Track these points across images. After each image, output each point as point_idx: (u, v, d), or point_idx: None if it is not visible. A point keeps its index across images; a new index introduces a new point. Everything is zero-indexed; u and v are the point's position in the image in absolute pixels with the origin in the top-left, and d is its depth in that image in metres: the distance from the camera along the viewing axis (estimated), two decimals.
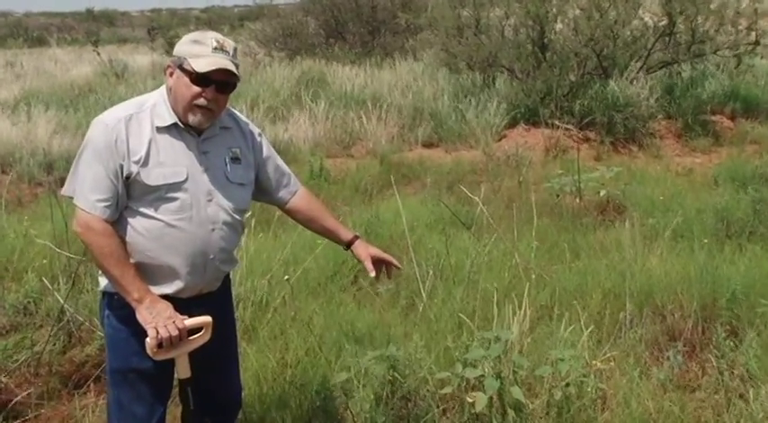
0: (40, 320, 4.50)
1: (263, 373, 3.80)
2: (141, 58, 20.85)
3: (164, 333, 2.44)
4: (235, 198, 2.63)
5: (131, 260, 2.51)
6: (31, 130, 9.80)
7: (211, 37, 2.52)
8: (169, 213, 2.49)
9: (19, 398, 3.82)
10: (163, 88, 2.59)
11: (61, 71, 18.22)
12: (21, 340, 4.25)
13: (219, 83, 2.50)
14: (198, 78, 2.46)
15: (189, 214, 2.51)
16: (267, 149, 2.82)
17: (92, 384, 4.04)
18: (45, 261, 5.08)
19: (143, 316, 2.46)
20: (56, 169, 8.47)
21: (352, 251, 2.91)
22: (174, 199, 2.50)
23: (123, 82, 15.22)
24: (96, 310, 4.40)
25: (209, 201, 2.55)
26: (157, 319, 2.45)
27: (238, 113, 2.81)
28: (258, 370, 3.81)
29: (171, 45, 23.20)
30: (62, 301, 4.27)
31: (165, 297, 2.54)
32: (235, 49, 2.55)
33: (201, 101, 2.48)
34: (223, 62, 2.47)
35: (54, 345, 4.23)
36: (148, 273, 2.53)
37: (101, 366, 4.08)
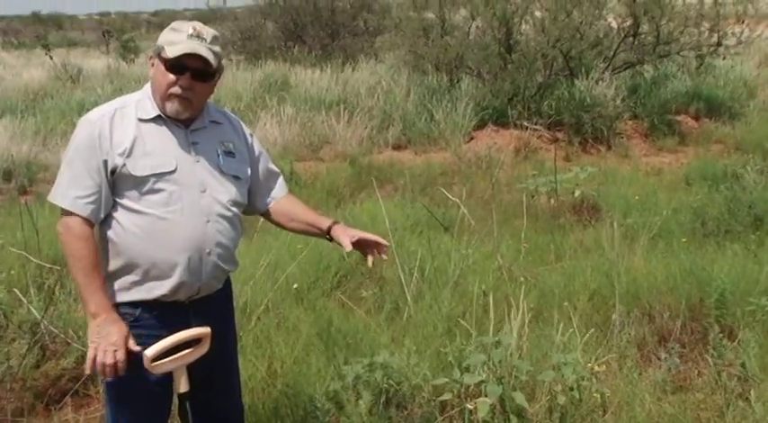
0: (12, 334, 4.29)
1: (252, 384, 3.68)
2: (95, 62, 20.45)
3: (100, 358, 2.35)
4: (230, 190, 2.53)
5: (124, 260, 2.42)
6: None
7: (189, 25, 2.45)
8: (159, 206, 2.39)
9: None
10: (148, 85, 2.52)
11: (12, 75, 17.71)
12: None
13: (195, 70, 2.41)
14: (172, 65, 2.39)
15: (180, 206, 2.41)
16: (258, 149, 2.73)
17: (69, 399, 3.87)
18: (13, 272, 4.86)
19: (91, 331, 2.38)
20: (16, 176, 8.19)
21: (332, 238, 2.72)
22: (163, 190, 2.40)
23: (80, 86, 14.88)
24: (71, 321, 4.25)
25: (203, 192, 2.46)
26: (101, 341, 2.36)
27: (229, 112, 2.75)
28: (246, 380, 3.67)
29: (125, 49, 22.86)
30: (38, 315, 4.08)
31: (161, 304, 2.44)
32: (215, 37, 2.47)
33: (176, 89, 2.40)
34: (195, 47, 2.39)
35: (28, 358, 4.03)
36: (142, 273, 2.42)
37: (78, 380, 3.94)
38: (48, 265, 4.51)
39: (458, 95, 10.42)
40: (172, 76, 2.39)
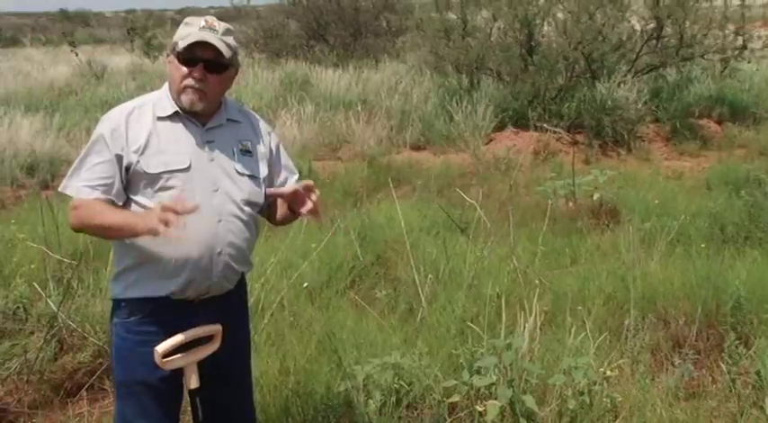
0: (31, 327, 4.36)
1: (264, 381, 3.70)
2: (119, 59, 20.63)
3: (162, 230, 2.18)
4: (244, 189, 2.52)
5: (136, 256, 2.43)
6: (12, 132, 9.61)
7: (202, 18, 2.47)
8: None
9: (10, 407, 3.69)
10: (167, 84, 2.53)
11: (38, 72, 17.92)
12: (11, 347, 4.10)
13: (207, 61, 2.42)
14: (185, 58, 2.41)
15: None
16: (277, 148, 2.70)
17: (84, 393, 3.92)
18: (33, 266, 4.93)
19: (141, 229, 2.26)
20: (39, 171, 8.30)
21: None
22: (176, 187, 2.40)
23: (103, 83, 15.02)
24: (88, 315, 4.30)
25: (215, 191, 2.45)
26: (151, 220, 2.21)
27: (250, 110, 2.73)
28: (258, 378, 3.70)
29: (149, 46, 23.03)
30: (55, 309, 4.13)
31: (170, 301, 2.44)
32: (227, 29, 2.48)
33: (189, 81, 2.41)
34: (205, 36, 2.40)
35: (45, 352, 4.09)
36: (152, 270, 2.43)
37: (94, 374, 3.98)
38: (66, 260, 4.55)
39: (478, 97, 10.39)
40: (185, 69, 2.41)
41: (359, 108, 10.58)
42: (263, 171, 2.61)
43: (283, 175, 2.70)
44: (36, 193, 7.75)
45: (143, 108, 2.47)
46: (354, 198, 7.69)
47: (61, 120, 10.41)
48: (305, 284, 4.31)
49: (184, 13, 62.76)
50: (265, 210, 2.67)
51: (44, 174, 8.18)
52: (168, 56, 2.50)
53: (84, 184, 2.39)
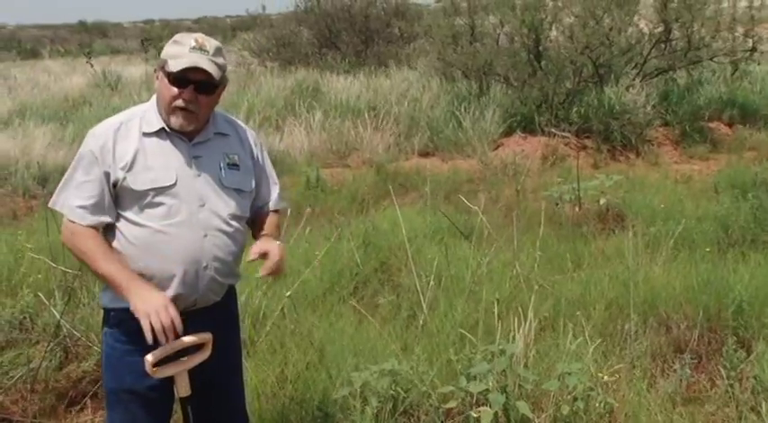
0: (36, 336, 4.42)
1: (262, 388, 3.74)
2: (134, 70, 20.80)
3: (156, 322, 2.33)
4: (230, 204, 2.54)
5: None
6: (26, 142, 9.75)
7: (192, 37, 2.46)
8: (157, 219, 2.43)
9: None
10: (155, 96, 2.55)
11: (54, 83, 18.14)
12: (16, 357, 4.17)
13: (198, 83, 2.43)
14: (175, 79, 2.41)
15: (178, 220, 2.44)
16: (263, 160, 2.73)
17: (88, 401, 3.97)
18: (40, 276, 5.00)
19: (135, 305, 2.36)
20: (51, 182, 8.40)
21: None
22: (162, 204, 2.44)
23: (117, 93, 15.18)
24: (93, 325, 4.35)
25: (202, 206, 2.48)
26: (149, 308, 2.34)
27: (238, 120, 2.74)
28: (257, 384, 3.74)
29: None
30: (59, 317, 4.19)
31: None
32: (217, 49, 2.48)
33: (179, 102, 2.43)
34: (197, 60, 2.41)
35: (50, 361, 4.15)
36: None
37: (98, 383, 4.02)
38: (70, 271, 4.62)
39: (486, 102, 10.40)
40: (175, 90, 2.42)
41: (367, 115, 10.60)
42: (250, 184, 2.64)
43: (267, 185, 2.74)
44: (47, 203, 7.85)
45: (130, 123, 2.48)
46: (361, 205, 7.72)
47: (74, 131, 10.53)
48: (287, 293, 4.32)
49: (201, 22, 63.37)
50: (249, 223, 2.71)
51: (56, 184, 8.25)
52: (156, 71, 2.50)
53: (76, 204, 2.42)
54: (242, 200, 2.60)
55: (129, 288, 2.38)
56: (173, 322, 2.36)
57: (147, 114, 2.51)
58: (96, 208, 2.43)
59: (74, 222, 2.43)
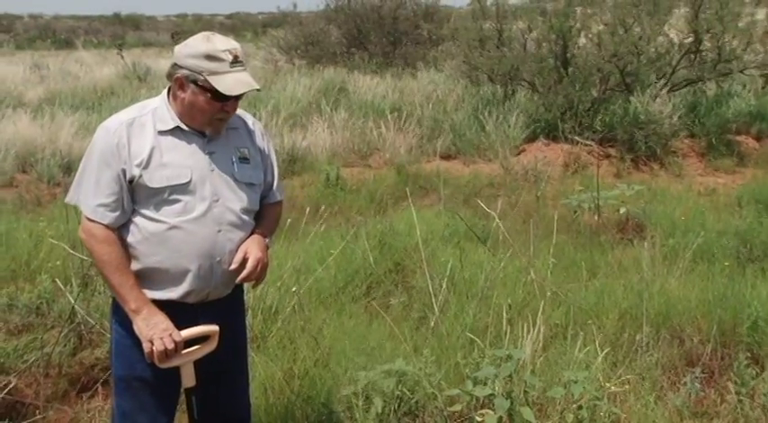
0: (52, 322, 4.48)
1: (270, 384, 3.76)
2: (165, 62, 20.92)
3: (158, 346, 2.43)
4: (243, 198, 2.58)
5: (139, 264, 2.49)
6: (53, 130, 9.88)
7: (222, 49, 2.44)
8: (173, 215, 2.47)
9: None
10: (164, 93, 2.57)
11: (85, 73, 18.35)
12: (32, 340, 4.23)
13: (239, 94, 2.50)
14: (221, 95, 2.44)
15: (194, 215, 2.48)
16: (269, 151, 2.77)
17: (100, 387, 4.02)
18: (59, 263, 5.08)
19: (139, 327, 2.45)
20: (74, 170, 8.49)
21: None
22: (179, 200, 2.47)
23: (146, 85, 15.33)
24: (107, 312, 4.39)
25: (216, 201, 2.52)
26: (153, 331, 2.43)
27: (244, 112, 2.77)
28: (265, 380, 3.77)
29: None
30: (73, 303, 4.25)
31: (171, 303, 2.51)
32: (244, 53, 2.53)
33: (224, 115, 2.50)
34: (247, 80, 2.47)
35: (64, 346, 4.21)
36: (155, 277, 2.51)
37: (109, 370, 4.06)
38: (87, 259, 4.67)
39: (510, 107, 10.37)
40: (218, 105, 2.47)
41: (390, 116, 10.60)
42: (260, 177, 2.68)
43: (271, 176, 2.77)
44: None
45: (142, 119, 2.50)
46: (379, 205, 7.73)
47: (100, 120, 10.61)
48: (293, 289, 4.35)
49: (234, 18, 63.79)
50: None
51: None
52: (182, 81, 2.46)
53: (96, 203, 2.44)
54: (253, 193, 2.64)
55: (137, 309, 2.45)
56: (176, 348, 2.45)
57: (159, 112, 2.53)
58: (116, 205, 2.46)
59: (93, 221, 2.46)
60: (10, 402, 3.79)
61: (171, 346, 2.43)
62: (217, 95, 2.44)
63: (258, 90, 2.54)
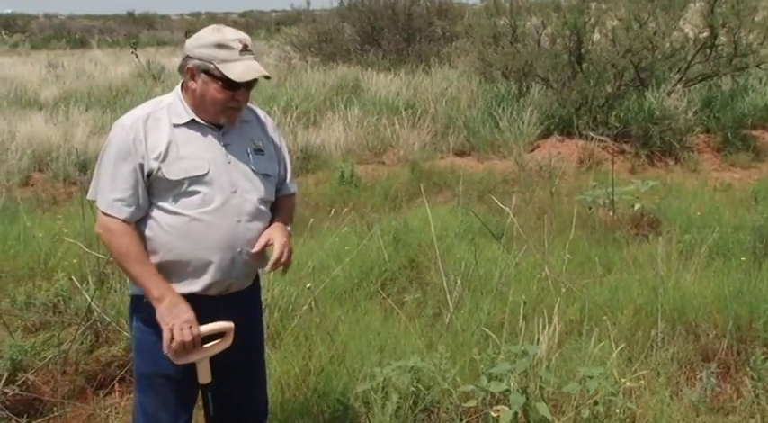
0: (69, 319, 4.52)
1: (286, 380, 3.78)
2: (179, 61, 20.88)
3: (178, 337, 2.44)
4: (260, 189, 2.61)
5: (159, 258, 2.51)
6: (68, 129, 9.95)
7: (232, 38, 2.50)
8: (193, 207, 2.49)
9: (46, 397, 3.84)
10: (178, 88, 2.60)
11: (100, 72, 18.46)
12: (49, 338, 4.27)
13: (250, 83, 2.53)
14: (232, 83, 2.47)
15: (213, 207, 2.51)
16: (281, 143, 2.80)
17: (116, 384, 4.06)
18: (75, 261, 5.12)
19: (162, 314, 2.46)
20: (90, 169, 8.55)
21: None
22: (197, 192, 2.50)
23: (160, 84, 15.39)
24: (123, 310, 4.43)
25: (234, 192, 2.54)
26: (175, 321, 2.44)
27: (254, 106, 2.81)
28: (281, 376, 3.78)
29: None
30: (90, 300, 4.28)
31: (193, 295, 2.53)
32: (253, 43, 2.56)
33: (235, 103, 2.52)
34: (257, 67, 2.50)
35: (81, 344, 4.24)
36: (177, 270, 2.53)
37: (126, 367, 4.11)
38: (103, 257, 4.71)
39: (524, 104, 10.34)
40: (230, 93, 2.50)
41: (404, 113, 10.60)
42: (275, 168, 2.71)
43: (285, 169, 2.80)
44: (85, 190, 8.00)
45: (158, 114, 2.54)
46: (394, 202, 7.74)
47: (115, 119, 10.68)
48: (308, 286, 4.36)
49: (247, 16, 63.91)
50: None
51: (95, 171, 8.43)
52: (193, 71, 2.51)
53: (113, 197, 2.47)
54: (269, 184, 2.67)
55: (160, 297, 2.46)
56: (194, 340, 2.46)
57: (174, 106, 2.56)
58: (132, 200, 2.48)
59: (110, 216, 2.48)
60: (28, 399, 3.83)
61: (189, 338, 2.44)
62: (227, 83, 2.47)
63: (268, 78, 2.56)
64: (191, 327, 2.45)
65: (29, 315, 4.58)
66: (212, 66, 2.47)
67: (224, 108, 2.51)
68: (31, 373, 3.97)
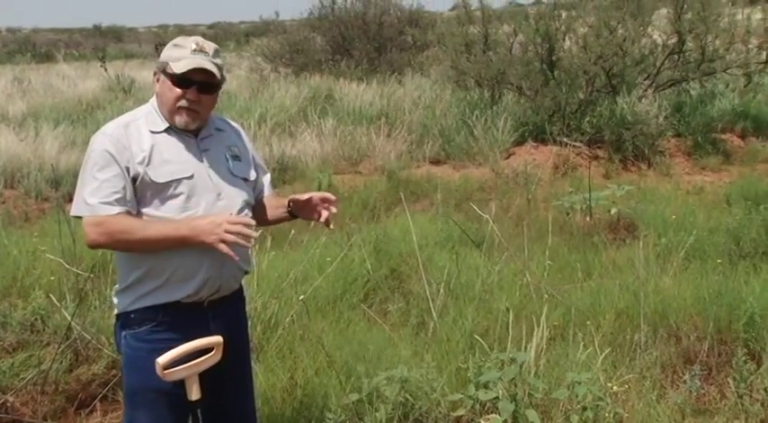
0: (48, 338, 4.44)
1: (272, 393, 3.75)
2: (148, 74, 20.81)
3: (224, 232, 2.40)
4: (242, 192, 2.66)
5: (149, 263, 2.50)
6: (38, 145, 9.82)
7: (192, 40, 2.57)
8: (179, 211, 2.50)
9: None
10: (153, 99, 2.63)
11: (68, 87, 18.24)
12: (27, 358, 4.19)
13: (201, 83, 2.53)
14: (179, 80, 2.50)
15: (199, 211, 2.51)
16: (253, 151, 2.85)
17: (98, 403, 4.00)
18: (53, 278, 5.03)
19: (206, 229, 2.43)
20: (63, 185, 8.45)
21: (293, 211, 2.79)
22: (182, 194, 2.52)
23: (131, 97, 15.26)
24: (104, 327, 4.37)
25: (219, 195, 2.57)
26: (210, 226, 2.42)
27: (227, 118, 2.88)
28: (267, 390, 3.75)
29: None
30: (69, 319, 4.22)
31: (182, 305, 2.52)
32: (216, 51, 2.60)
33: (184, 102, 2.52)
34: (201, 62, 2.52)
35: (61, 363, 4.17)
36: (165, 278, 2.51)
37: (107, 385, 4.05)
38: (81, 273, 4.65)
39: (498, 111, 10.41)
40: (179, 91, 2.51)
41: (379, 122, 10.62)
42: (252, 173, 2.76)
43: (261, 175, 2.85)
44: (60, 206, 7.91)
45: (137, 123, 2.56)
46: (372, 212, 7.73)
47: (86, 134, 10.58)
48: (301, 297, 4.35)
49: (215, 27, 63.70)
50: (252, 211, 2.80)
51: (68, 187, 8.31)
52: (156, 74, 2.59)
53: (99, 201, 2.44)
54: (249, 188, 2.73)
55: (193, 227, 2.44)
56: (240, 224, 2.43)
57: (150, 116, 2.59)
58: (121, 201, 2.46)
59: (93, 216, 2.44)
60: (7, 421, 3.76)
61: (237, 228, 2.42)
62: (177, 80, 2.50)
63: (215, 75, 2.54)
64: (227, 220, 2.43)
65: (6, 335, 4.48)
66: (167, 64, 2.53)
67: (175, 106, 2.52)
68: (10, 394, 3.90)
